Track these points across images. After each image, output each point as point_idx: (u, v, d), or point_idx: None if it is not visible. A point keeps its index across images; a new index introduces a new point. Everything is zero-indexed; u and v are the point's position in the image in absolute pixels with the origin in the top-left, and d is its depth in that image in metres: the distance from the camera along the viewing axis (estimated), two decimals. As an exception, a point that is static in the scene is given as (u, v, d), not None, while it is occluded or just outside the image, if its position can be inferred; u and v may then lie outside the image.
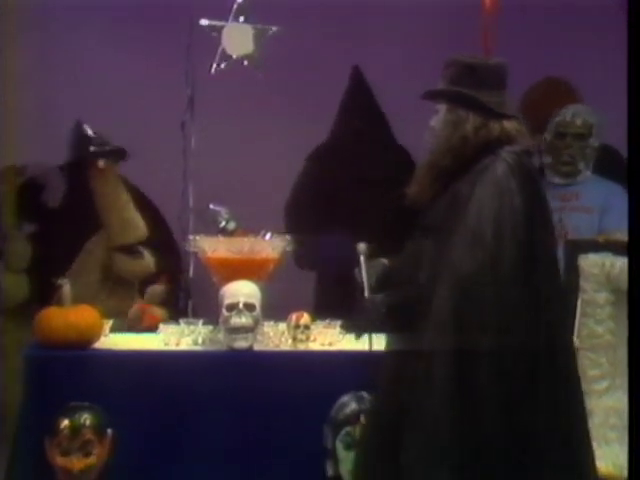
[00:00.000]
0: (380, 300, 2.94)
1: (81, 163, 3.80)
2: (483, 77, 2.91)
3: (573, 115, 4.12)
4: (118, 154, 3.90)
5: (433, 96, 3.00)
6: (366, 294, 2.99)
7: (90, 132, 3.79)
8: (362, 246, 3.10)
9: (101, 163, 3.74)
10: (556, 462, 2.82)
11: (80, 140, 3.79)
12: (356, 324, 3.09)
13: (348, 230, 4.18)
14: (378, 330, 3.00)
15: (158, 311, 3.68)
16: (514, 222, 2.78)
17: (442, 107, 2.98)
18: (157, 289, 3.73)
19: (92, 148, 3.78)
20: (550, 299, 2.87)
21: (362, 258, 3.07)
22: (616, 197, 4.03)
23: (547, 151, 4.14)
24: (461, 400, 2.79)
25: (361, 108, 4.67)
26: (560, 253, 3.82)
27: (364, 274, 3.03)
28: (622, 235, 3.81)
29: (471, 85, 2.91)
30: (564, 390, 2.87)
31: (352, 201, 4.60)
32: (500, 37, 4.25)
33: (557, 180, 4.10)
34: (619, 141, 3.93)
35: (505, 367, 2.79)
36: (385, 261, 3.14)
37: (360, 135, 4.60)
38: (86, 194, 3.83)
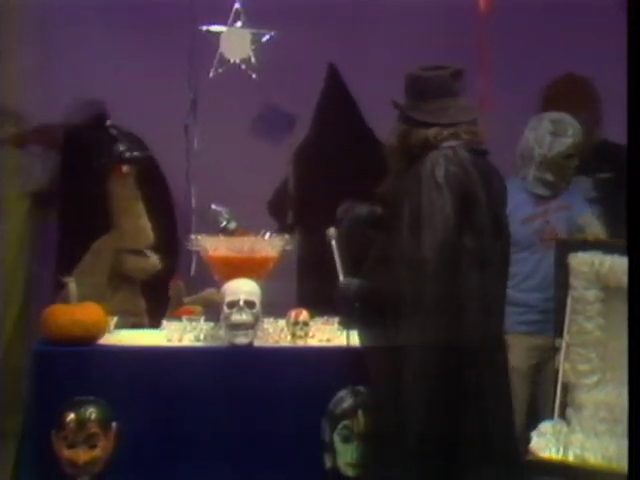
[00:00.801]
0: (354, 288, 3.10)
1: (103, 165, 3.79)
2: (420, 88, 3.14)
3: (574, 135, 4.04)
4: (144, 160, 3.92)
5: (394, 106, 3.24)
6: (341, 278, 3.15)
7: (117, 135, 3.75)
8: (332, 231, 3.26)
9: (125, 168, 3.74)
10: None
11: (106, 142, 3.76)
12: (336, 312, 3.24)
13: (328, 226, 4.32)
14: (352, 319, 3.16)
15: (198, 308, 3.70)
16: (438, 208, 2.98)
17: None
18: (214, 295, 3.68)
19: (121, 150, 3.74)
20: (481, 285, 3.03)
21: (333, 242, 3.21)
22: (578, 188, 4.11)
23: (547, 168, 4.03)
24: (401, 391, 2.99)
25: (338, 105, 4.71)
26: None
27: (336, 258, 3.16)
28: (589, 220, 3.92)
29: (410, 96, 3.17)
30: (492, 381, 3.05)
31: (331, 198, 4.65)
32: (501, 36, 4.30)
33: (543, 192, 4.07)
34: (619, 140, 4.01)
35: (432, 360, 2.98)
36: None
37: (337, 131, 4.63)
38: (99, 194, 3.86)
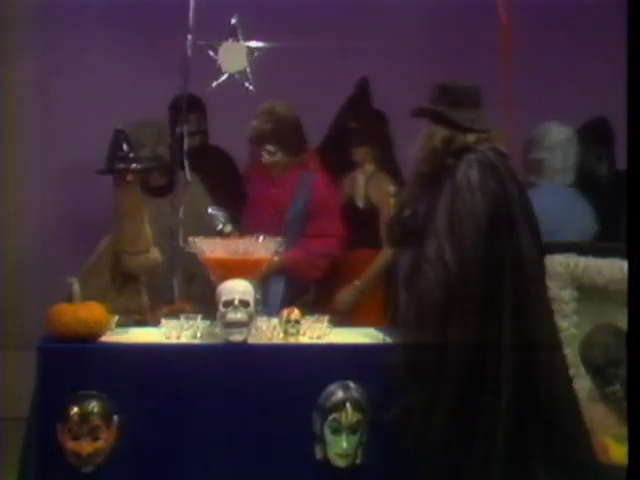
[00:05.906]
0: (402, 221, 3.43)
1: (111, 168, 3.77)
2: (454, 97, 3.29)
3: None
4: (146, 170, 3.95)
5: (415, 114, 3.38)
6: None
7: (125, 146, 3.77)
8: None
9: (129, 177, 3.74)
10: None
11: (114, 152, 3.80)
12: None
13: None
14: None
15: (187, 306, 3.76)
16: (471, 210, 3.16)
17: (424, 122, 3.35)
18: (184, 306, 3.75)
19: (122, 164, 3.72)
20: (514, 289, 3.17)
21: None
22: None
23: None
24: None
25: (358, 110, 4.71)
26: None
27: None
28: None
29: (444, 104, 3.30)
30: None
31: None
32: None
33: None
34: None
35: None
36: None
37: (354, 134, 4.64)
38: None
